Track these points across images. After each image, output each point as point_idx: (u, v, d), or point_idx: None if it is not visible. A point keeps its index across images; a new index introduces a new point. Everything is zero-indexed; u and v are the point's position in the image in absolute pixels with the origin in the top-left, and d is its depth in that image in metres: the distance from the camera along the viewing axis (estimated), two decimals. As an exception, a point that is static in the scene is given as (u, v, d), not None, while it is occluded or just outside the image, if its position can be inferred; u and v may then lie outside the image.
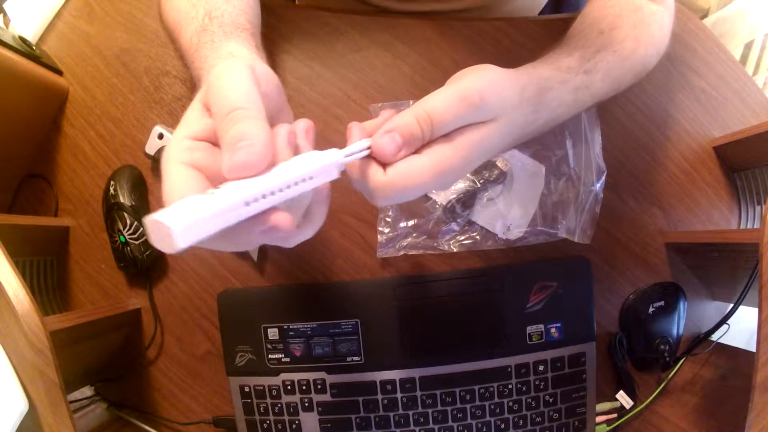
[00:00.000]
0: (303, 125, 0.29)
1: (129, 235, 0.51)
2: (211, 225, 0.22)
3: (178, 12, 0.38)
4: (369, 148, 0.28)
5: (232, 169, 0.23)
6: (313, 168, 0.25)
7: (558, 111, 0.35)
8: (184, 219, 0.21)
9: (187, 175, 0.25)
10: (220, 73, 0.27)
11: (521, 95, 0.32)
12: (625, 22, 0.40)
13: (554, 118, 0.35)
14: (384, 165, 0.29)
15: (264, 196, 0.23)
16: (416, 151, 0.29)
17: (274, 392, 0.51)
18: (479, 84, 0.29)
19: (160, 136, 0.51)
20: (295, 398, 0.51)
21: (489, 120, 0.29)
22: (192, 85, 0.37)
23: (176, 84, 0.54)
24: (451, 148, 0.28)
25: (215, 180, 0.25)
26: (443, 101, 0.28)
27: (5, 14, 0.55)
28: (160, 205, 0.58)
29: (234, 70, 0.27)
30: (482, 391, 0.51)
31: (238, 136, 0.24)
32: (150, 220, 0.21)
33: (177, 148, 0.26)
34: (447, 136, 0.29)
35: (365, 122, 0.30)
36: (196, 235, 0.21)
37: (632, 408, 0.53)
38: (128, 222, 0.51)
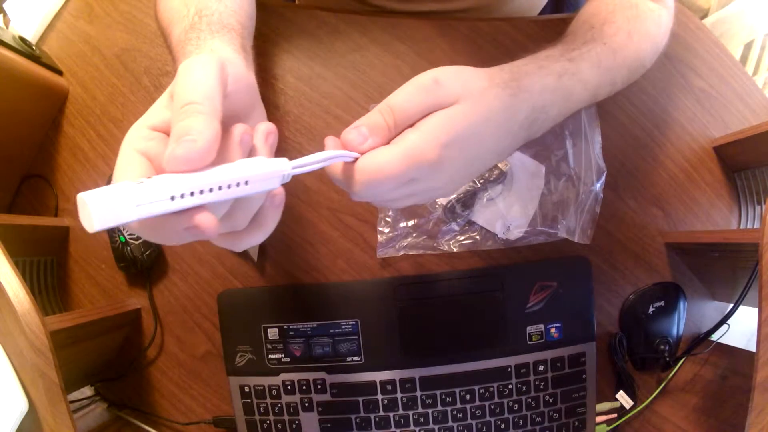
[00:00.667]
0: (264, 128, 0.29)
1: (129, 235, 0.51)
2: (133, 213, 0.21)
3: (171, 10, 0.38)
4: (325, 160, 0.28)
5: (170, 161, 0.23)
6: (252, 173, 0.25)
7: (544, 96, 0.34)
8: (106, 203, 0.21)
9: (135, 161, 0.25)
10: (188, 65, 0.27)
11: (490, 80, 0.32)
12: (618, 18, 0.40)
13: (543, 106, 0.34)
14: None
15: (192, 194, 0.23)
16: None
17: (274, 392, 0.51)
18: (434, 71, 0.30)
19: (160, 136, 0.51)
20: (295, 398, 0.51)
21: (451, 102, 0.30)
22: None
23: (176, 84, 0.54)
24: (417, 133, 0.29)
25: (162, 171, 0.25)
26: (401, 92, 0.29)
27: (5, 14, 0.56)
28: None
29: (200, 64, 0.27)
30: (482, 391, 0.51)
31: (184, 130, 0.24)
32: (78, 196, 0.21)
33: (134, 134, 0.26)
34: (413, 125, 0.30)
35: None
36: (114, 220, 0.21)
37: (632, 408, 0.53)
38: (128, 222, 0.51)
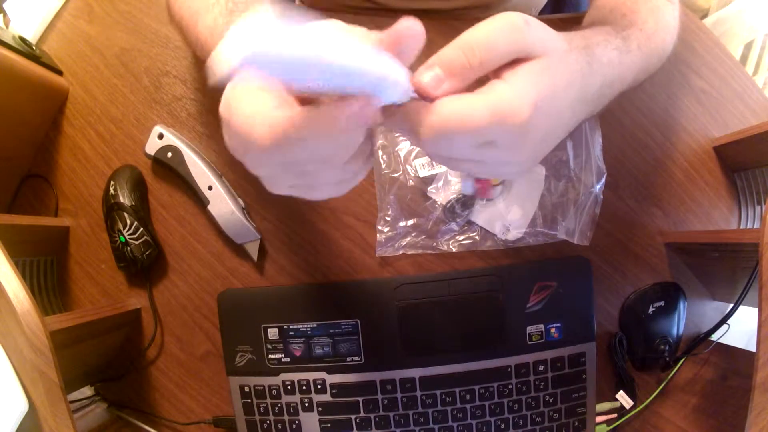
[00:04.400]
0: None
1: (129, 235, 0.51)
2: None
3: (193, 2, 0.38)
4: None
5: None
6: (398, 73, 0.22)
7: (609, 70, 0.32)
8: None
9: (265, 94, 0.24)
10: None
11: (569, 42, 0.29)
12: (642, 8, 0.40)
13: (610, 82, 0.33)
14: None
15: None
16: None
17: (274, 392, 0.51)
18: (522, 16, 0.25)
19: (160, 136, 0.51)
20: (295, 398, 0.51)
21: (540, 55, 0.26)
22: (195, 78, 0.37)
23: (176, 84, 0.54)
24: (507, 86, 0.24)
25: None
26: (485, 27, 0.25)
27: (5, 14, 0.55)
28: (161, 204, 0.57)
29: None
30: (482, 391, 0.51)
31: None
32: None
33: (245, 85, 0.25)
34: (499, 76, 0.25)
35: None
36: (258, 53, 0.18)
37: (632, 408, 0.53)
38: (128, 222, 0.51)
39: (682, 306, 0.54)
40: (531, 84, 0.25)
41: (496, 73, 0.26)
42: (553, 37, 0.27)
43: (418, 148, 0.52)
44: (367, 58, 0.21)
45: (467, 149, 0.26)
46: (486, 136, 0.25)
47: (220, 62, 0.18)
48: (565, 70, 0.27)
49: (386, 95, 0.23)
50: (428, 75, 0.24)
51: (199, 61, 0.53)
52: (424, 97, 0.24)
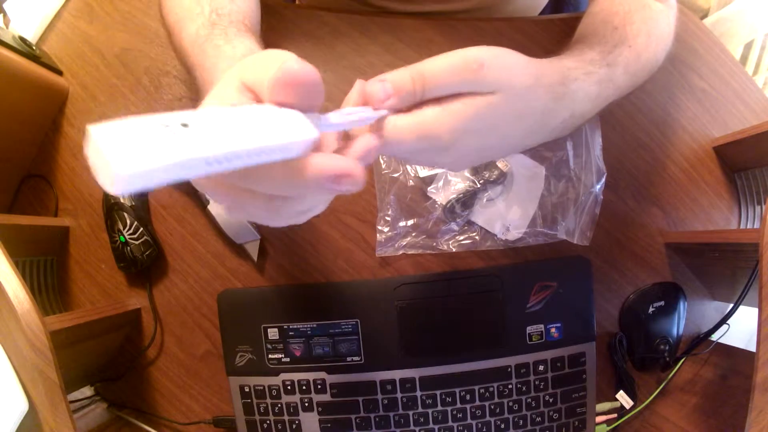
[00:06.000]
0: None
1: (129, 235, 0.51)
2: (170, 163, 0.16)
3: (181, 7, 0.38)
4: (352, 121, 0.26)
5: (282, 74, 0.22)
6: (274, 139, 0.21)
7: (584, 105, 0.33)
8: (132, 143, 0.15)
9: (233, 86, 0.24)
10: (265, 54, 0.25)
11: (537, 80, 0.30)
12: (636, 18, 0.40)
13: (581, 113, 0.34)
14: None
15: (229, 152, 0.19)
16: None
17: (274, 392, 0.51)
18: (484, 53, 0.27)
19: (160, 136, 0.51)
20: (295, 398, 0.51)
21: (490, 92, 0.27)
22: (190, 77, 0.37)
23: (176, 84, 0.54)
24: (438, 111, 0.27)
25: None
26: (440, 61, 0.27)
27: (5, 14, 0.55)
28: (161, 204, 0.57)
29: (273, 51, 0.25)
30: (482, 391, 0.51)
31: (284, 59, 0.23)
32: (89, 130, 0.15)
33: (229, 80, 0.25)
34: (439, 100, 0.27)
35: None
36: (144, 172, 0.16)
37: (632, 408, 0.53)
38: (128, 222, 0.51)
39: (682, 306, 0.54)
40: (463, 114, 0.27)
41: (439, 100, 0.27)
42: (515, 75, 0.28)
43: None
44: (258, 136, 0.20)
45: (400, 153, 0.29)
46: (413, 149, 0.28)
47: (106, 186, 0.16)
48: (517, 105, 0.29)
49: (297, 151, 0.22)
50: (378, 86, 0.26)
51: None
52: (368, 104, 0.27)
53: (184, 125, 0.18)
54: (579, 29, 0.43)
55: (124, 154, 0.15)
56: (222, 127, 0.19)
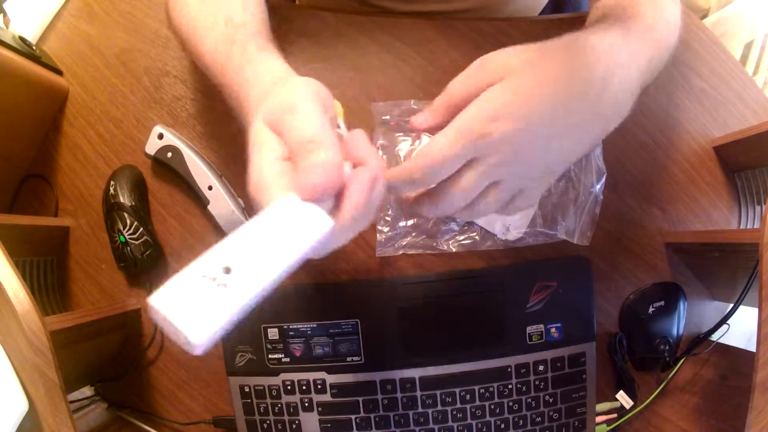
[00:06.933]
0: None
1: (129, 235, 0.51)
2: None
3: (189, 16, 0.38)
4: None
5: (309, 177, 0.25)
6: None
7: (613, 56, 0.31)
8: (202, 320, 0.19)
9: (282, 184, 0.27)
10: (291, 102, 0.28)
11: (541, 51, 0.30)
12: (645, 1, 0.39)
13: (620, 62, 0.31)
14: None
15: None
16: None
17: (274, 392, 0.51)
18: (486, 55, 0.32)
19: (160, 136, 0.51)
20: (295, 398, 0.51)
21: (498, 79, 0.30)
22: (206, 88, 0.37)
23: (176, 84, 0.54)
24: (463, 112, 0.30)
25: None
26: (457, 77, 0.32)
27: (5, 14, 0.55)
28: (161, 204, 0.57)
29: (304, 99, 0.28)
30: (482, 391, 0.51)
31: (312, 165, 0.25)
32: (154, 307, 0.19)
33: (273, 172, 0.27)
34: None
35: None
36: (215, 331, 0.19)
37: (632, 408, 0.53)
38: (128, 222, 0.51)
39: (682, 306, 0.54)
40: (483, 101, 0.29)
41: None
42: (510, 56, 0.30)
43: (419, 148, 0.52)
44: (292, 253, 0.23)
45: (465, 179, 0.30)
46: (462, 154, 0.29)
47: (187, 348, 0.19)
48: (531, 76, 0.29)
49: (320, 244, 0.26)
50: (419, 116, 0.32)
51: (196, 70, 0.53)
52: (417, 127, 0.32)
53: (227, 270, 0.21)
54: (589, 19, 0.43)
55: (193, 326, 0.18)
56: (259, 256, 0.22)
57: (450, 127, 0.29)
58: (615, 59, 0.31)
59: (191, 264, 0.20)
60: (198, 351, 0.19)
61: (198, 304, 0.19)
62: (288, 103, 0.27)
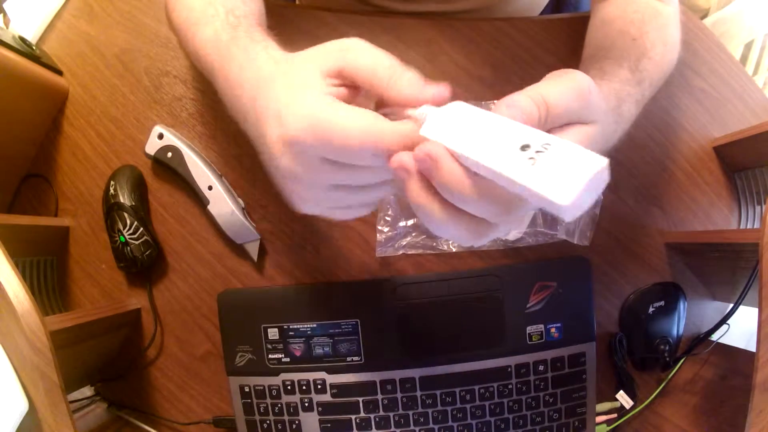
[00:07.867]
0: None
1: (129, 235, 0.51)
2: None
3: (192, 10, 0.38)
4: None
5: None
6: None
7: (627, 124, 0.34)
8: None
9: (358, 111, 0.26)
10: (348, 44, 0.28)
11: (607, 104, 0.31)
12: (651, 28, 0.40)
13: (627, 133, 0.35)
14: None
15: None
16: None
17: (274, 392, 0.51)
18: (589, 81, 0.27)
19: (160, 136, 0.51)
20: (295, 398, 0.51)
21: (590, 122, 0.27)
22: (208, 78, 0.37)
23: (176, 84, 0.54)
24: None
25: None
26: (559, 90, 0.26)
27: (5, 14, 0.55)
28: (161, 204, 0.57)
29: (357, 40, 0.28)
30: (482, 391, 0.51)
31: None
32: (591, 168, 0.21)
33: (360, 111, 0.26)
34: (559, 129, 0.27)
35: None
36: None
37: (632, 408, 0.53)
38: (128, 222, 0.51)
39: (682, 306, 0.54)
40: (580, 137, 0.27)
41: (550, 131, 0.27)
42: (602, 101, 0.29)
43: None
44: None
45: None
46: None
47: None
48: (602, 134, 0.29)
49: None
50: (513, 112, 0.26)
51: (196, 70, 0.53)
52: None
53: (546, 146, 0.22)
54: (594, 38, 0.43)
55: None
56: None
57: None
58: (625, 130, 0.35)
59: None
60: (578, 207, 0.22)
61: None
62: (346, 45, 0.28)
